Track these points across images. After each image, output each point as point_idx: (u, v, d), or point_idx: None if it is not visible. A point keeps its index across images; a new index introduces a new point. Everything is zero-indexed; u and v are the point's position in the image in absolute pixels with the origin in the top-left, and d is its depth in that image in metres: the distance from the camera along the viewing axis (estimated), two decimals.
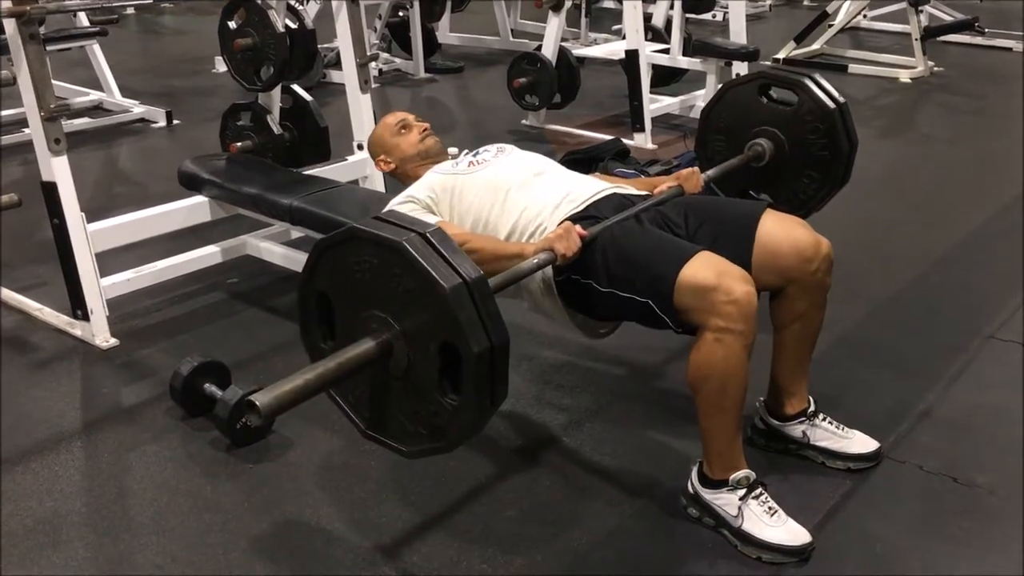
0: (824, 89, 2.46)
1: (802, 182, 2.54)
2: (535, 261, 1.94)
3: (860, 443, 2.23)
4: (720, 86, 2.66)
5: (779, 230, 2.12)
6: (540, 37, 5.26)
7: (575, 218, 2.10)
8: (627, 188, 2.30)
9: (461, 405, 1.59)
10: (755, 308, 1.89)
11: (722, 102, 2.61)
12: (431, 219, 2.22)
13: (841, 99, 2.46)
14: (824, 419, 2.24)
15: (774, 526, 1.95)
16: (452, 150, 2.54)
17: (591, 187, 2.22)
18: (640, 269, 1.98)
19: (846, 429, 2.25)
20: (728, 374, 1.89)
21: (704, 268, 1.90)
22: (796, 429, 2.24)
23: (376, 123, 3.41)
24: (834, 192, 2.50)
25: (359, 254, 1.63)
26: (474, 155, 2.34)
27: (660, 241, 2.05)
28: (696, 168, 2.37)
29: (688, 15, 5.41)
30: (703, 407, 1.95)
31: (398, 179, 2.52)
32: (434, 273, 1.53)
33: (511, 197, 2.20)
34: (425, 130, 2.50)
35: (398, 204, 2.28)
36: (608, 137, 4.55)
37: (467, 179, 2.26)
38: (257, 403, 1.46)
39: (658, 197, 2.21)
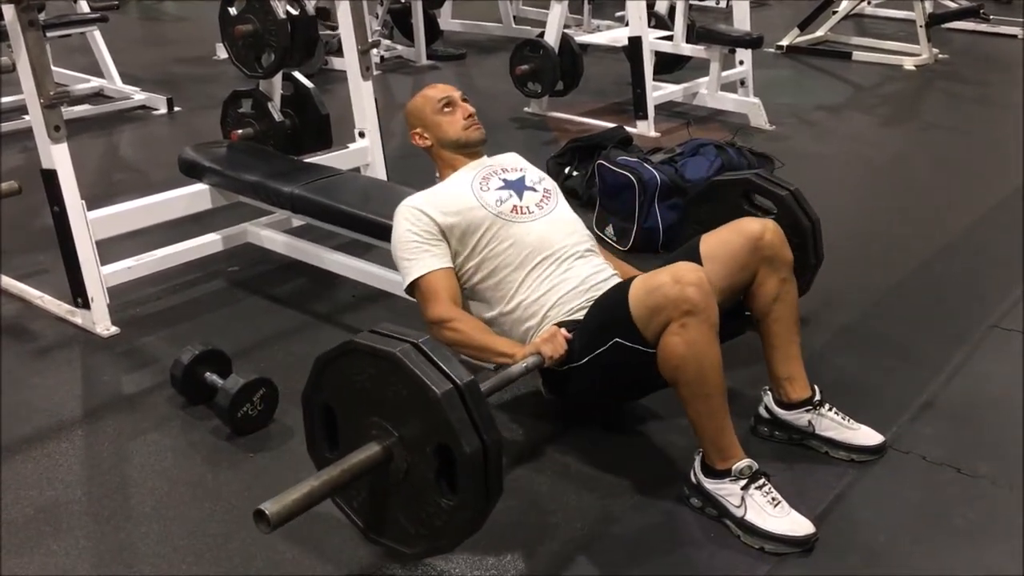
0: (802, 206, 2.54)
1: None
2: (524, 365, 2.04)
3: (865, 436, 2.23)
4: (709, 181, 2.79)
5: (721, 233, 2.24)
6: (543, 24, 5.23)
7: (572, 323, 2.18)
8: None
9: (458, 505, 1.68)
10: (709, 289, 1.91)
11: (707, 197, 2.73)
12: (435, 258, 2.23)
13: (815, 217, 2.55)
14: (830, 409, 2.24)
15: (777, 516, 1.94)
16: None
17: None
18: (597, 318, 2.08)
19: (851, 421, 2.24)
20: (700, 357, 1.89)
21: (648, 277, 1.97)
22: (802, 418, 2.24)
23: (376, 105, 3.42)
24: None
25: (358, 365, 1.74)
26: (516, 190, 2.33)
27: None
28: None
29: (691, 2, 5.38)
30: (685, 397, 1.95)
31: (430, 156, 2.47)
32: (426, 380, 1.63)
33: (539, 269, 2.25)
34: (471, 115, 2.41)
35: (408, 207, 2.28)
36: (611, 125, 4.52)
37: (507, 226, 2.26)
38: (267, 512, 1.58)
39: None
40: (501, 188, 2.33)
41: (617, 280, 2.30)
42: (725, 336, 1.98)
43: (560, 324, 2.17)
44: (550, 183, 2.44)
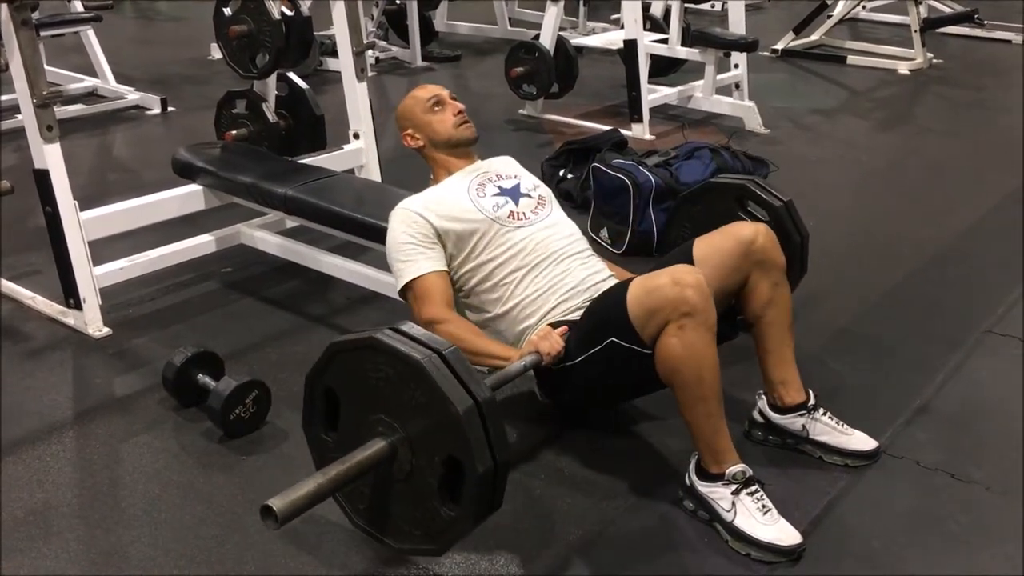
0: (794, 219, 2.54)
1: None
2: (523, 364, 2.05)
3: (860, 441, 2.23)
4: (704, 182, 2.78)
5: (713, 237, 2.25)
6: (538, 26, 5.22)
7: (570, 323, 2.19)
8: None
9: (459, 516, 1.68)
10: (708, 291, 1.92)
11: (701, 197, 2.72)
12: (430, 261, 2.22)
13: (805, 232, 2.55)
14: (824, 414, 2.24)
15: (765, 524, 1.94)
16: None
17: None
18: (594, 317, 2.09)
19: (846, 426, 2.24)
20: (698, 358, 1.90)
21: (646, 278, 1.98)
22: (796, 423, 2.24)
23: (371, 106, 3.42)
24: None
25: (376, 362, 1.71)
26: (512, 196, 2.33)
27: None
28: None
29: (687, 5, 5.38)
30: (682, 399, 1.96)
31: (422, 156, 2.47)
32: (449, 395, 1.62)
33: (536, 270, 2.25)
34: (460, 112, 2.41)
35: (404, 209, 2.27)
36: (606, 127, 4.52)
37: (504, 231, 2.27)
38: (275, 508, 1.56)
39: None
40: (497, 195, 2.33)
41: (615, 282, 2.30)
42: (718, 340, 1.98)
43: (554, 324, 2.18)
44: (544, 190, 2.45)
